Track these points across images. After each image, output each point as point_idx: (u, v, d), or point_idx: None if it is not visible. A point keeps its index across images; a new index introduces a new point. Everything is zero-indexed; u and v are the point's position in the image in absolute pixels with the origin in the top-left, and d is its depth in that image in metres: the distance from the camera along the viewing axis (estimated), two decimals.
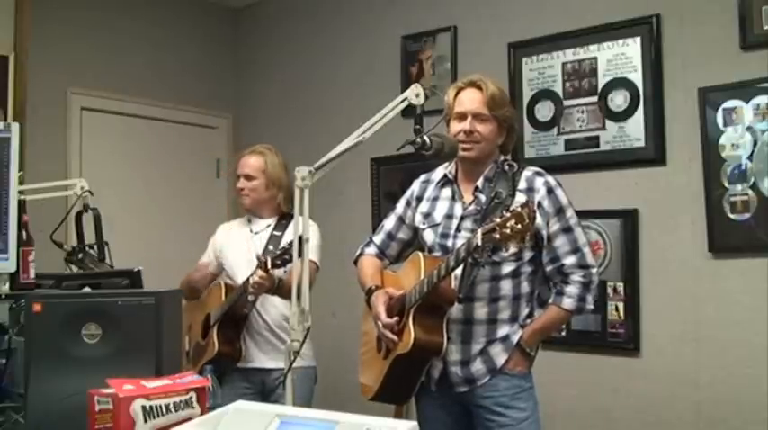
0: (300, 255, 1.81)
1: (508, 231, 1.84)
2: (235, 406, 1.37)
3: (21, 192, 2.13)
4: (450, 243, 2.19)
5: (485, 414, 2.16)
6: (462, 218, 2.21)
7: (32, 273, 2.07)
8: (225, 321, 2.84)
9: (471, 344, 2.16)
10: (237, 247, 2.98)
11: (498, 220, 1.87)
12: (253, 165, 2.96)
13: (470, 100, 2.21)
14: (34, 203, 2.70)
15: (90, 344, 1.63)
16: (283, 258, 2.60)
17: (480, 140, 2.19)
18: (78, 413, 1.42)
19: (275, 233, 2.92)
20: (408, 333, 2.09)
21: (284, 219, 2.95)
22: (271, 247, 2.84)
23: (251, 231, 3.00)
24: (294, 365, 2.68)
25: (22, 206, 2.08)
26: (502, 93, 2.25)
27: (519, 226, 1.83)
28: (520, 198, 2.12)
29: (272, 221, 2.98)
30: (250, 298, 2.80)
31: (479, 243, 1.90)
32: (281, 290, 2.69)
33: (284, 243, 2.74)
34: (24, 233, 2.06)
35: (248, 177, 2.96)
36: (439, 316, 2.11)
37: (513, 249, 2.07)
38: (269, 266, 2.60)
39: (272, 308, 2.86)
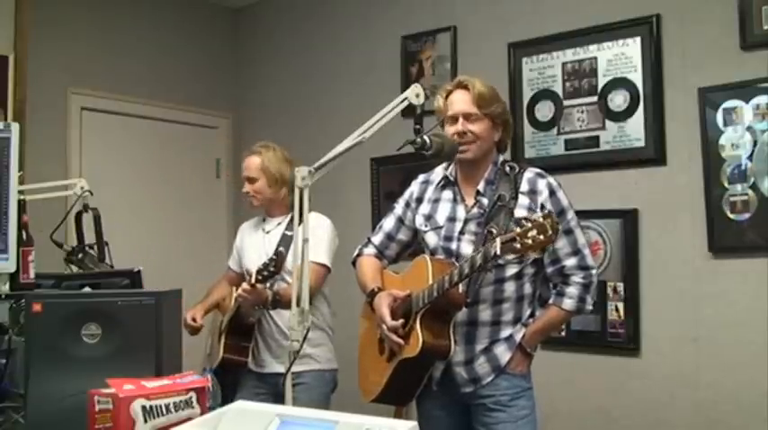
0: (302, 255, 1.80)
1: (529, 242, 1.80)
2: (235, 406, 1.37)
3: (21, 192, 2.13)
4: (453, 246, 2.19)
5: (483, 411, 2.16)
6: (466, 221, 2.20)
7: (32, 273, 2.07)
8: (233, 328, 2.81)
9: (475, 344, 2.16)
10: (252, 249, 2.93)
11: (519, 230, 1.82)
12: (251, 167, 2.93)
13: (459, 101, 2.20)
14: (34, 203, 2.71)
15: (90, 344, 1.63)
16: (263, 274, 2.55)
17: (475, 140, 2.18)
18: (78, 413, 1.42)
19: (287, 233, 2.84)
20: (416, 337, 2.08)
21: None
22: (282, 249, 2.74)
23: (263, 230, 2.95)
24: (307, 368, 2.72)
25: (22, 206, 2.08)
26: (490, 90, 2.23)
27: (541, 236, 1.79)
28: (522, 200, 2.12)
29: (282, 220, 2.92)
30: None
31: (498, 252, 1.86)
32: (280, 303, 2.64)
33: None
34: (24, 233, 2.06)
35: (250, 180, 2.93)
36: (446, 320, 2.11)
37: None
38: (253, 281, 2.56)
39: (285, 311, 2.76)
